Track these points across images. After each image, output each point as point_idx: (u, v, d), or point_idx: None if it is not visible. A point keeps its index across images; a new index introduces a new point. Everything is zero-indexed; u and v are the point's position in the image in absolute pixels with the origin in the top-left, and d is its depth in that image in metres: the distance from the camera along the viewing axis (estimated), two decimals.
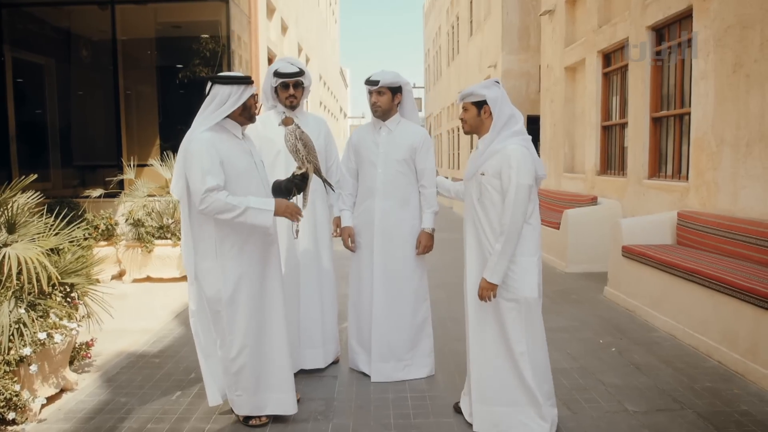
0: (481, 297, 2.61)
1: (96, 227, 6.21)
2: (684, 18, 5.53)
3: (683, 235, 4.99)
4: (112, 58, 7.43)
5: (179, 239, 6.30)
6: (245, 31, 7.94)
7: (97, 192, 6.56)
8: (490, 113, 2.63)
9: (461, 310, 5.06)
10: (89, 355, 3.63)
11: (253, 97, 2.71)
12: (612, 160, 7.48)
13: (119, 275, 6.47)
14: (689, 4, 5.26)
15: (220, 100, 2.60)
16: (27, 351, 2.83)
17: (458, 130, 19.72)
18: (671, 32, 5.81)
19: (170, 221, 6.40)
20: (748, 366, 3.40)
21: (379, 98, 3.30)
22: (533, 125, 12.79)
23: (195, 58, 7.79)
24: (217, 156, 2.56)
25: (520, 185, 2.51)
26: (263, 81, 3.59)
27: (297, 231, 2.96)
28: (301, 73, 3.44)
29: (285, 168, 3.34)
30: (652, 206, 5.95)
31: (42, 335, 2.91)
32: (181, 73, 7.89)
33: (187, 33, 8.24)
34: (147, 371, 3.67)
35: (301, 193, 2.86)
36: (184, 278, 6.38)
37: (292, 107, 3.45)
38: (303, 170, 2.78)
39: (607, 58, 7.39)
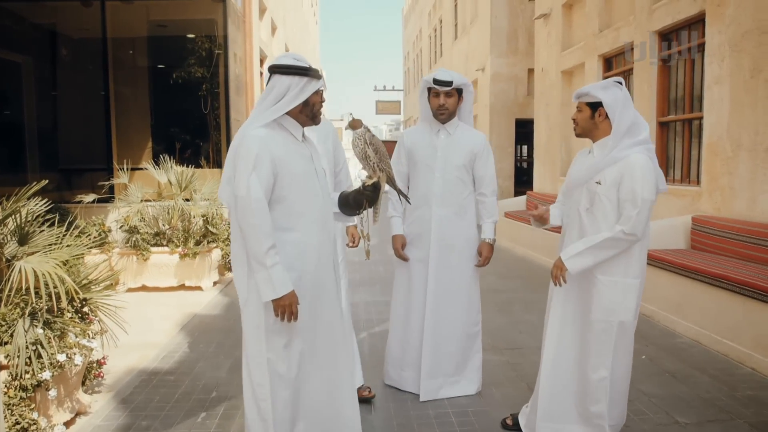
0: (554, 276, 2.46)
1: (88, 234, 5.89)
2: (693, 23, 5.55)
3: (698, 240, 4.98)
4: (102, 57, 7.09)
5: (177, 246, 6.03)
6: (240, 30, 7.70)
7: (90, 197, 6.24)
8: (606, 116, 2.42)
9: (491, 321, 5.00)
10: (101, 374, 3.38)
11: (318, 93, 2.33)
12: None
13: (112, 285, 6.16)
14: (701, 9, 5.26)
15: (277, 93, 2.20)
16: (46, 375, 2.58)
17: None
18: (679, 37, 5.82)
19: (166, 227, 6.12)
20: None
21: (447, 100, 3.06)
22: (521, 129, 12.85)
23: (189, 57, 7.49)
24: (267, 156, 2.13)
25: (644, 200, 2.29)
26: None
27: (368, 252, 2.66)
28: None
29: None
30: (660, 211, 5.94)
31: (61, 357, 2.66)
32: (175, 73, 7.57)
33: (179, 32, 7.92)
34: (163, 390, 3.43)
35: (373, 207, 2.45)
36: (181, 287, 6.10)
37: None
38: (374, 180, 2.40)
39: (608, 62, 7.41)
